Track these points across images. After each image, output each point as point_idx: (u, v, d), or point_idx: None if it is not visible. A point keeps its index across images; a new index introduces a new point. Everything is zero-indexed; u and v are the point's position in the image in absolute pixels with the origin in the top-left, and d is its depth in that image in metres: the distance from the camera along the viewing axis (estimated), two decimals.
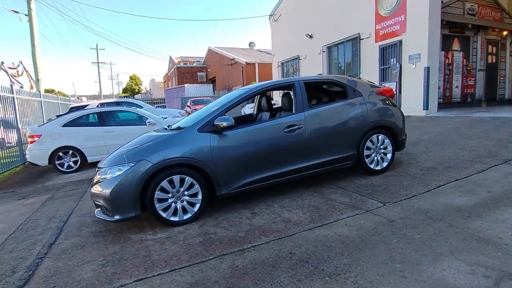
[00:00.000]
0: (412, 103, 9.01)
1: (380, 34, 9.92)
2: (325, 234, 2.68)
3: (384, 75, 9.97)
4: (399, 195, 3.38)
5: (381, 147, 4.16)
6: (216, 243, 2.76)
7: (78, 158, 6.95)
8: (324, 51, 12.80)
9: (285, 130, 3.59)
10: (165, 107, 22.66)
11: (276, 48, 17.25)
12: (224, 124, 3.26)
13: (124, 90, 66.13)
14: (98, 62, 50.06)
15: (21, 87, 19.53)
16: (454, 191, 3.29)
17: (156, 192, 3.11)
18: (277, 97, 15.78)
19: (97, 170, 3.37)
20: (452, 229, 2.51)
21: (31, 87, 25.63)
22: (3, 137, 7.61)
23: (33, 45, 17.27)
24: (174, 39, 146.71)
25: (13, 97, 8.07)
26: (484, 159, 4.22)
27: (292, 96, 3.88)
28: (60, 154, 6.87)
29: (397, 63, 9.35)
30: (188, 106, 17.75)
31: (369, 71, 10.47)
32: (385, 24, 9.66)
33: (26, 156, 6.94)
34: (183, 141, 3.29)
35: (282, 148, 3.59)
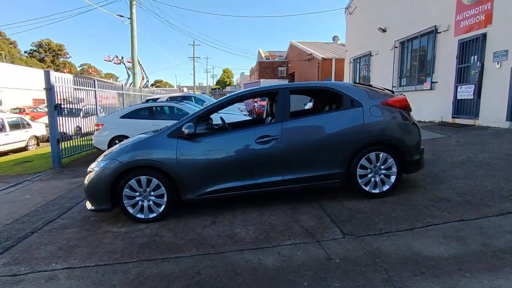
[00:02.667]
0: (492, 111, 7.29)
1: (461, 26, 8.25)
2: (248, 259, 2.49)
3: (461, 76, 8.30)
4: (373, 228, 2.86)
5: (382, 167, 3.54)
6: (153, 246, 2.86)
7: None
8: (396, 47, 11.35)
9: (258, 141, 3.40)
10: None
11: (350, 43, 16.07)
12: (186, 131, 3.30)
13: (217, 82, 71.74)
14: (194, 57, 55.46)
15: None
16: (441, 235, 2.60)
17: (125, 189, 3.38)
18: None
19: None
20: (385, 286, 2.02)
21: (143, 78, 30.26)
22: (80, 125, 9.20)
23: (132, 44, 20.13)
24: (265, 36, 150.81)
25: (122, 93, 11.68)
26: None
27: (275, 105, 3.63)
28: (117, 141, 7.95)
29: (478, 62, 7.65)
30: (255, 101, 18.17)
31: (444, 71, 8.86)
32: (468, 14, 7.98)
33: (92, 141, 8.27)
34: (153, 145, 3.46)
35: (254, 160, 3.43)
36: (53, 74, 7.41)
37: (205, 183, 3.43)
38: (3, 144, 10.28)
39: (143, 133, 4.07)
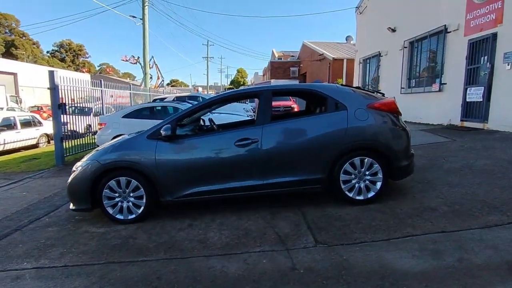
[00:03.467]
0: (502, 115, 6.95)
1: (471, 25, 7.91)
2: (212, 266, 2.44)
3: (470, 77, 7.95)
4: (349, 237, 2.75)
5: (367, 173, 3.41)
6: (124, 249, 2.85)
7: None
8: (406, 47, 11.02)
9: (237, 144, 3.34)
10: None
11: (360, 43, 15.76)
12: (163, 133, 3.28)
13: (232, 82, 72.11)
14: (207, 57, 55.90)
15: (151, 77, 23.75)
16: (417, 247, 2.46)
17: (105, 190, 3.39)
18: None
19: None
20: None
21: (158, 78, 30.81)
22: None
23: (144, 44, 20.43)
24: (280, 36, 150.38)
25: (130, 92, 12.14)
26: None
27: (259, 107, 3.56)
28: None
29: (488, 63, 7.31)
30: None
31: (454, 72, 8.52)
32: (478, 13, 7.64)
33: (95, 140, 8.43)
34: (132, 146, 3.46)
35: (233, 163, 3.37)
36: (58, 74, 7.59)
37: (184, 186, 3.40)
38: (15, 142, 10.63)
39: (132, 133, 4.08)
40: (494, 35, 7.16)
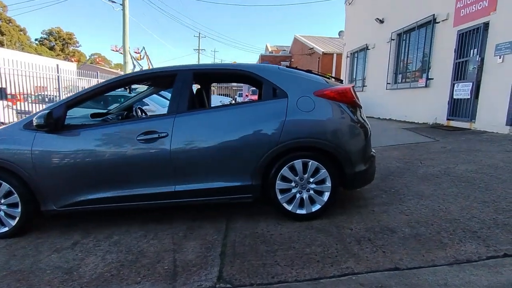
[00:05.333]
0: (491, 114, 6.24)
1: (461, 14, 7.16)
2: None
3: (458, 72, 7.23)
4: (266, 272, 1.97)
5: (312, 180, 2.63)
6: None
7: None
8: (393, 39, 10.26)
9: (140, 138, 2.53)
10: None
11: (348, 36, 14.96)
12: (35, 122, 2.45)
13: None
14: (199, 49, 54.68)
15: (141, 68, 22.68)
16: None
17: None
18: None
19: None
20: None
21: (149, 68, 29.74)
22: None
23: (124, 32, 19.38)
24: (274, 30, 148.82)
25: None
26: (496, 233, 2.22)
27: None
28: None
29: (478, 56, 6.58)
30: (246, 95, 17.29)
31: (441, 66, 7.79)
32: (469, 0, 6.89)
33: None
34: (6, 138, 2.63)
35: (135, 163, 2.56)
36: None
37: (72, 191, 2.59)
38: None
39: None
40: (486, 25, 6.43)
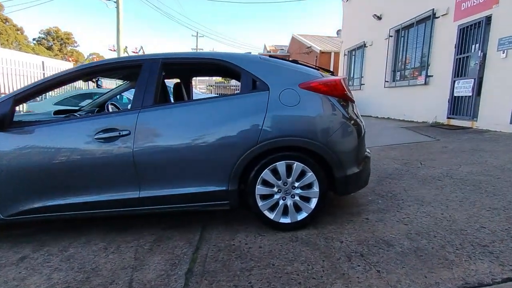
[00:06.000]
0: (494, 112, 5.93)
1: (462, 8, 6.85)
2: None
3: (459, 68, 6.92)
4: None
5: (297, 184, 2.30)
6: None
7: None
8: (391, 36, 9.95)
9: (98, 137, 2.19)
10: None
11: (346, 33, 14.65)
12: None
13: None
14: (196, 49, 54.35)
15: None
16: None
17: None
18: None
19: None
20: None
21: None
22: None
23: (118, 29, 19.03)
24: (271, 29, 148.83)
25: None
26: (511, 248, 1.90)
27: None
28: None
29: (480, 51, 6.27)
30: None
31: (441, 63, 7.49)
32: None
33: None
34: None
35: (92, 165, 2.22)
36: None
37: (21, 199, 2.25)
38: None
39: None
40: (488, 19, 6.12)
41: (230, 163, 2.22)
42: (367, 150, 2.70)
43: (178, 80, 3.58)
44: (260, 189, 2.28)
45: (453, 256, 1.83)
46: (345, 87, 2.41)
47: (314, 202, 2.32)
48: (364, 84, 12.13)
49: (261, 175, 2.25)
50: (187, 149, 2.21)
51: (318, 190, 2.30)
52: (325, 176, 2.30)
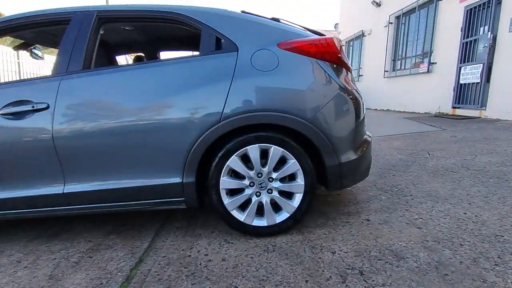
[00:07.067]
0: (505, 99, 5.38)
1: None
2: None
3: (466, 53, 6.36)
4: None
5: (275, 175, 1.73)
6: None
7: None
8: (391, 23, 9.38)
9: (4, 112, 1.62)
10: None
11: (343, 24, 14.08)
12: None
13: None
14: None
15: None
16: None
17: None
18: None
19: None
20: None
21: None
22: None
23: None
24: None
25: None
26: None
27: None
28: None
29: (489, 33, 5.71)
30: None
31: (446, 48, 6.93)
32: None
33: None
34: None
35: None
36: None
37: None
38: None
39: None
40: None
41: (184, 146, 1.64)
42: (368, 133, 2.14)
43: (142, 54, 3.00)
44: (225, 182, 1.70)
45: (493, 276, 1.28)
46: (337, 49, 1.83)
47: (298, 199, 1.75)
48: (362, 76, 11.57)
49: (227, 163, 1.68)
50: (126, 129, 1.63)
51: (303, 183, 1.73)
52: (312, 165, 1.73)
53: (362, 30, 11.37)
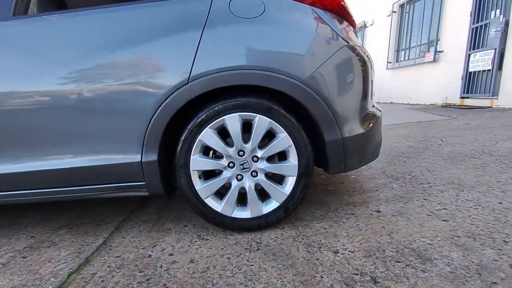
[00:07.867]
0: None
1: None
2: None
3: (475, 39, 5.97)
4: None
5: (261, 153, 1.35)
6: None
7: None
8: (394, 11, 8.98)
9: None
10: None
11: None
12: None
13: None
14: None
15: None
16: None
17: None
18: None
19: None
20: None
21: None
22: None
23: None
24: None
25: None
26: None
27: None
28: None
29: (501, 16, 5.31)
30: None
31: (454, 35, 6.54)
32: None
33: None
34: None
35: None
36: None
37: None
38: None
39: None
40: None
41: (143, 116, 1.27)
42: (377, 106, 1.76)
43: None
44: (197, 162, 1.33)
45: None
46: None
47: (290, 183, 1.38)
48: None
49: (199, 137, 1.31)
50: (63, 92, 1.26)
51: (296, 163, 1.35)
52: (308, 140, 1.36)
53: (364, 21, 10.97)
